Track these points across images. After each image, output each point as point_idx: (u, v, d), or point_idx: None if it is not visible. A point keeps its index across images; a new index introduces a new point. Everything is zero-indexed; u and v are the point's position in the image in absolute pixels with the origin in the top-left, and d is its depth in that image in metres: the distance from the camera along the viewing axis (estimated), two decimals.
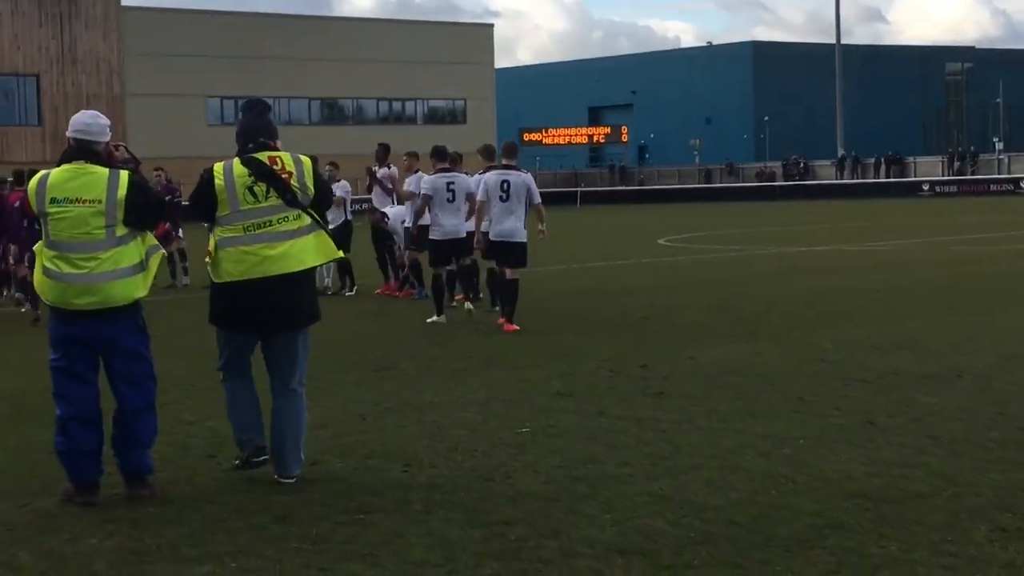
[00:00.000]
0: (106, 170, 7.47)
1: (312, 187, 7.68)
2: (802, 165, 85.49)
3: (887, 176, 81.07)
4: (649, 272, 24.29)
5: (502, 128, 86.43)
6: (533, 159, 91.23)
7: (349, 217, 20.85)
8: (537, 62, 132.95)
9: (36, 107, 68.15)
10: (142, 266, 7.53)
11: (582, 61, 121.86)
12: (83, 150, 7.51)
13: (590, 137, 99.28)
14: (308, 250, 7.64)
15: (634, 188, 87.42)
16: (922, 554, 6.01)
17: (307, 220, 7.66)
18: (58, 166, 7.56)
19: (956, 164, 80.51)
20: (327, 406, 10.35)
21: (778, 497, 7.10)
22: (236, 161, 7.66)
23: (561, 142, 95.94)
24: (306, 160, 7.75)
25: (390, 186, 20.53)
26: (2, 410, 10.80)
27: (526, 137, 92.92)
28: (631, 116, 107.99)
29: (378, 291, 20.60)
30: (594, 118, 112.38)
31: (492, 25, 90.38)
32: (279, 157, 7.66)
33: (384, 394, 10.90)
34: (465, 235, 16.62)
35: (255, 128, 7.78)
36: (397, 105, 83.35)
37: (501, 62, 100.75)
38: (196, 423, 9.86)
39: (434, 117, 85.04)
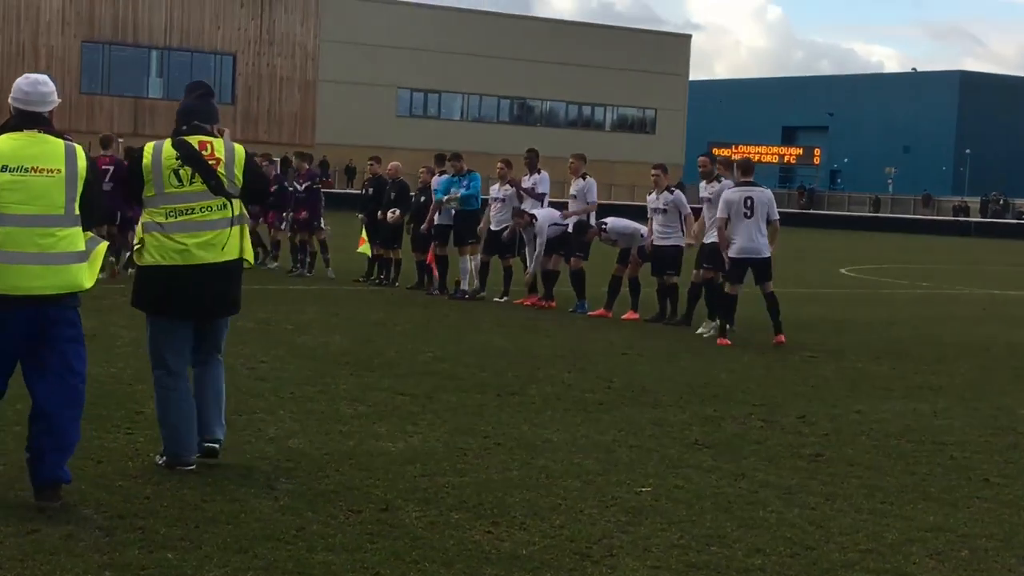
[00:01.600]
0: (61, 140, 6.65)
1: (241, 177, 7.33)
2: (1002, 202, 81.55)
3: None
4: (826, 304, 22.41)
5: (692, 141, 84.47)
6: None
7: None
8: (733, 77, 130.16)
9: (231, 86, 68.76)
10: (85, 255, 6.66)
11: (780, 79, 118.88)
12: (29, 118, 6.68)
13: (781, 157, 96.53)
14: (230, 241, 7.35)
15: (822, 212, 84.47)
16: None
17: (231, 211, 7.33)
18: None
19: None
20: (430, 436, 9.00)
21: None
22: (167, 142, 7.38)
23: (752, 159, 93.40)
24: (239, 149, 7.43)
25: (541, 191, 19.08)
26: None
27: (715, 152, 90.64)
28: (826, 139, 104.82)
29: (518, 301, 19.18)
30: (787, 138, 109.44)
31: (690, 36, 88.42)
32: (210, 142, 7.34)
33: (500, 425, 9.51)
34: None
35: (192, 109, 7.51)
36: (587, 110, 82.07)
37: (697, 74, 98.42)
38: (276, 440, 8.60)
39: (623, 125, 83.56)
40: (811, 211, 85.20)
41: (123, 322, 14.55)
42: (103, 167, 19.37)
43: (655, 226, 17.47)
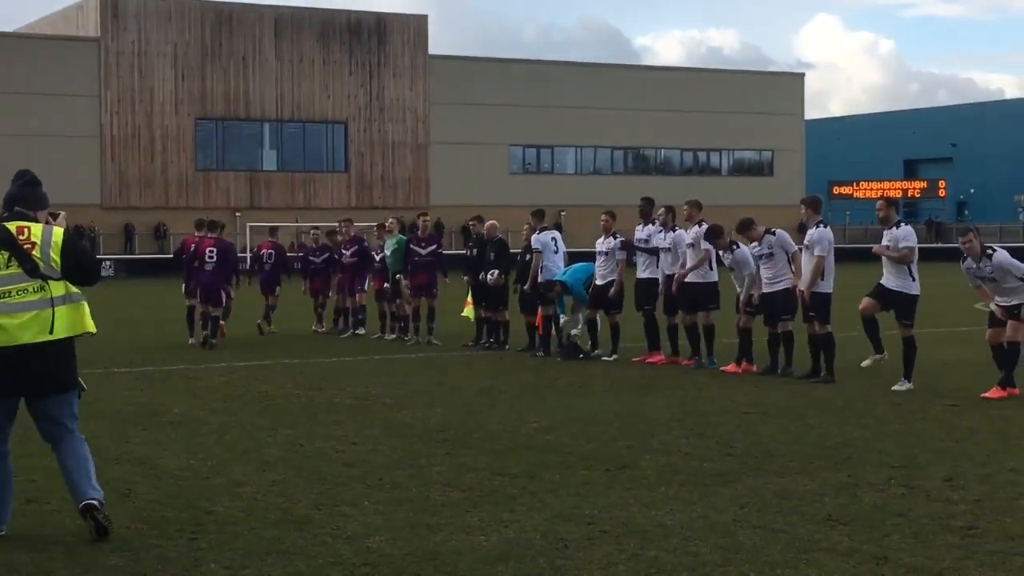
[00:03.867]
0: None
1: (58, 259, 7.57)
2: None
3: None
4: (963, 345, 20.91)
5: (810, 181, 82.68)
6: (843, 213, 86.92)
7: (619, 277, 18.45)
8: (849, 113, 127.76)
9: (343, 154, 68.93)
10: None
11: (898, 112, 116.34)
12: None
13: (904, 191, 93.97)
14: (56, 320, 7.53)
15: (951, 245, 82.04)
16: None
17: (51, 292, 7.55)
18: None
19: None
20: (527, 524, 8.02)
21: None
22: None
23: (873, 196, 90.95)
24: (57, 232, 7.66)
25: (655, 245, 18.04)
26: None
27: (836, 190, 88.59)
28: (950, 170, 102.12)
29: (635, 360, 18.17)
30: (910, 172, 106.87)
31: (803, 75, 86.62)
32: (27, 227, 7.61)
33: (608, 507, 8.51)
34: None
35: (13, 196, 7.77)
36: (702, 155, 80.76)
37: (812, 113, 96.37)
38: (355, 538, 7.69)
39: (740, 168, 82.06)
40: (939, 245, 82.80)
41: (215, 405, 13.86)
42: (205, 248, 21.59)
43: (761, 273, 16.39)
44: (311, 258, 24.84)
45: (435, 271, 21.60)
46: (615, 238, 18.46)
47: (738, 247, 16.91)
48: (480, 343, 20.71)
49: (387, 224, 22.74)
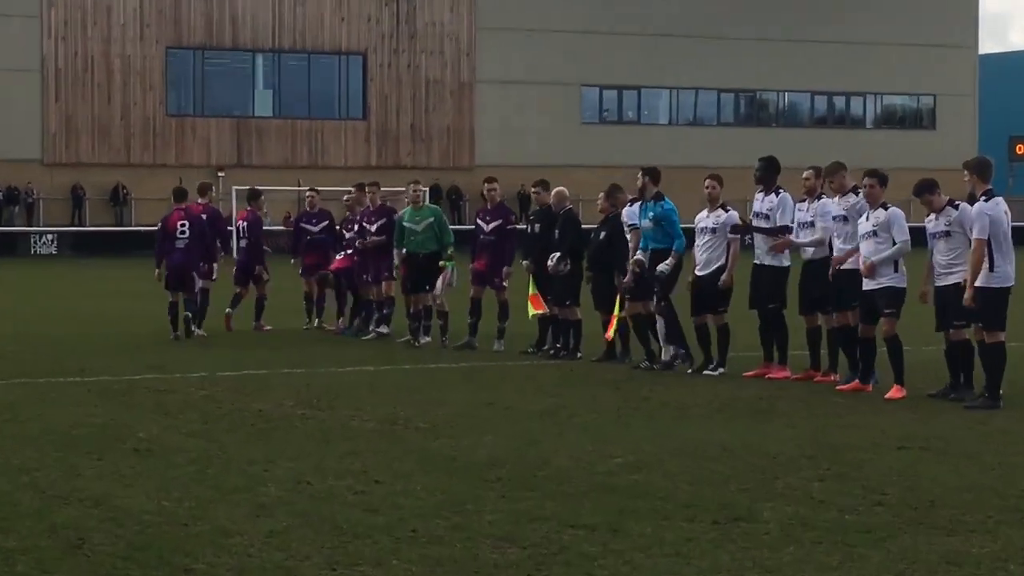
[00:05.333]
0: None
1: None
2: None
3: None
4: None
5: (985, 137, 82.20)
6: None
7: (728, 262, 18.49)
8: None
9: (361, 96, 69.23)
10: None
11: None
12: None
13: None
14: None
15: None
16: None
17: None
18: None
19: None
20: None
21: None
22: None
23: None
24: None
25: (782, 222, 17.97)
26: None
27: (1020, 149, 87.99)
28: None
29: (748, 374, 18.16)
30: None
31: None
32: None
33: (717, 571, 8.73)
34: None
35: None
36: (839, 101, 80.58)
37: (987, 47, 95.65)
38: None
39: (890, 119, 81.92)
40: None
41: (193, 428, 14.01)
42: (177, 221, 23.01)
43: (937, 257, 16.23)
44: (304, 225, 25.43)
45: (501, 255, 21.61)
46: (725, 211, 18.42)
47: (959, 204, 16.45)
48: (544, 349, 20.77)
49: (412, 191, 22.63)
